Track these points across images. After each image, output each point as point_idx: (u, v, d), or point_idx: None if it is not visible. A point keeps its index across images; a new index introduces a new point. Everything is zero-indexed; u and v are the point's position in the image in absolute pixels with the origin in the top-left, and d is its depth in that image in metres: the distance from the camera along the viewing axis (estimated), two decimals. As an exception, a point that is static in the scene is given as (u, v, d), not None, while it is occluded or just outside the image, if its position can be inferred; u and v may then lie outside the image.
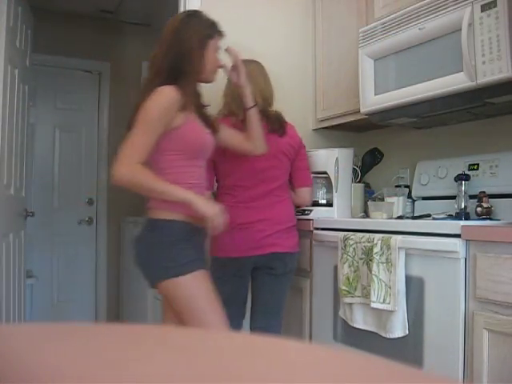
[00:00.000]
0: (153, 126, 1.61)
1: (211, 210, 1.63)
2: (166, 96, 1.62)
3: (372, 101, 2.25)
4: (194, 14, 1.84)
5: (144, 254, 1.69)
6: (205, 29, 1.77)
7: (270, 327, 2.07)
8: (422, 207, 2.35)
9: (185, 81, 1.68)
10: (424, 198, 2.40)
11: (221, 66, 1.85)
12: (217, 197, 2.14)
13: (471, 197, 2.08)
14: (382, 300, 1.74)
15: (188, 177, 1.69)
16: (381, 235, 1.80)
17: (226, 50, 1.92)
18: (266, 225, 2.05)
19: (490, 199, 2.01)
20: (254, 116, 1.96)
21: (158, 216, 1.67)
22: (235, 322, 2.08)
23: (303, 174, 2.21)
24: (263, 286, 2.10)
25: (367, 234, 1.86)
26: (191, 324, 1.64)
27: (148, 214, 1.72)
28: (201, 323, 1.63)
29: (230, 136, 1.95)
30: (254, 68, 2.17)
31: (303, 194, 2.20)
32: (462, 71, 1.83)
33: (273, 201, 2.09)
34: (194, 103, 1.73)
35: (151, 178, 1.60)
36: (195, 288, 1.64)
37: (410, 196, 2.43)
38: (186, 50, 1.72)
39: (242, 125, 2.01)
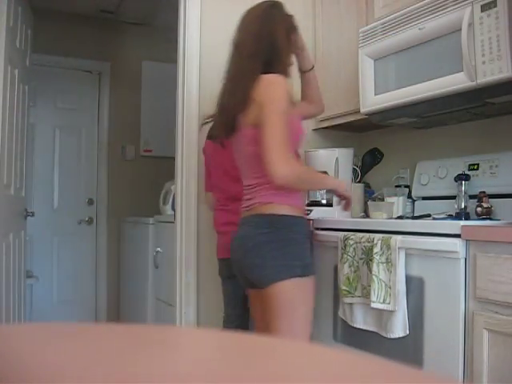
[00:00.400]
0: (285, 116, 1.53)
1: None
2: (285, 85, 1.57)
3: (372, 101, 2.25)
4: (275, 4, 1.76)
5: (264, 252, 1.57)
6: (288, 18, 1.74)
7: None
8: (421, 207, 2.35)
9: (282, 72, 1.63)
10: (424, 198, 2.40)
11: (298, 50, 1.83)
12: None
13: (471, 197, 2.08)
14: (382, 300, 1.74)
15: None
16: (381, 235, 1.80)
17: None
18: (224, 226, 2.11)
19: (490, 199, 2.01)
20: (314, 78, 1.97)
21: (282, 212, 1.58)
22: (231, 324, 2.10)
23: None
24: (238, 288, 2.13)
25: (367, 234, 1.86)
26: (279, 327, 1.55)
27: (262, 209, 1.61)
28: (291, 333, 1.54)
29: (303, 109, 1.93)
30: None
31: None
32: (462, 71, 1.83)
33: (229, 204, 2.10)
34: None
35: (310, 172, 1.58)
36: (308, 293, 1.58)
37: (409, 196, 2.43)
38: (275, 42, 1.66)
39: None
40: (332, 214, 2.37)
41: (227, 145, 1.83)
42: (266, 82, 1.55)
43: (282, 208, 1.58)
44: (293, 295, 1.55)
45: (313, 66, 1.96)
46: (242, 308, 2.11)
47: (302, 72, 1.95)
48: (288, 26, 1.71)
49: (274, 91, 1.54)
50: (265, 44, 1.64)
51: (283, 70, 1.63)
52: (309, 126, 2.88)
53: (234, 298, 2.13)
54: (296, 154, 1.65)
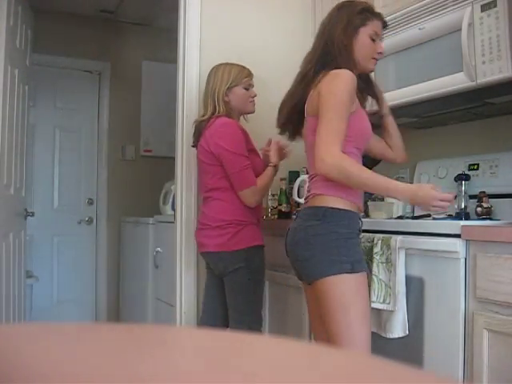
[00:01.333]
0: (344, 110, 1.51)
1: (431, 199, 1.46)
2: (348, 78, 1.53)
3: (372, 101, 2.25)
4: (345, 4, 1.72)
5: (311, 245, 1.54)
6: (352, 17, 1.65)
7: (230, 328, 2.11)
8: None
9: (348, 68, 1.60)
10: (424, 198, 2.39)
11: (380, 54, 1.71)
12: None
13: (471, 197, 2.08)
14: (382, 300, 1.74)
15: None
16: (381, 235, 1.80)
17: None
18: (201, 224, 2.19)
19: (490, 199, 2.01)
20: (392, 124, 1.89)
21: (333, 204, 1.54)
22: (208, 322, 2.16)
23: (232, 179, 2.07)
24: (213, 287, 2.21)
25: (367, 234, 1.86)
26: (336, 329, 1.51)
27: (315, 201, 1.59)
28: (348, 331, 1.50)
29: (374, 139, 1.85)
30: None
31: (242, 198, 2.09)
32: (462, 71, 1.83)
33: (207, 201, 2.17)
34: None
35: (359, 169, 1.48)
36: (361, 290, 1.52)
37: (410, 196, 2.43)
38: (330, 40, 1.64)
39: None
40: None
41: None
42: (330, 76, 1.55)
43: (334, 200, 1.54)
44: (342, 292, 1.50)
45: (390, 114, 1.89)
46: (215, 308, 2.21)
47: (380, 116, 1.88)
48: (352, 21, 1.64)
49: (336, 84, 1.52)
50: (323, 42, 1.66)
51: (349, 66, 1.59)
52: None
53: (207, 295, 2.28)
54: (355, 152, 1.60)
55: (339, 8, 1.71)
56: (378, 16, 1.69)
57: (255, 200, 2.08)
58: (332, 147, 1.45)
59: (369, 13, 1.67)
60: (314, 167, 1.55)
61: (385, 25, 1.72)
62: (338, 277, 1.49)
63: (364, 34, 1.64)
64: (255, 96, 2.23)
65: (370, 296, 1.77)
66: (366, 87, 1.76)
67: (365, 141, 1.67)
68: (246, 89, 2.19)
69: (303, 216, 1.62)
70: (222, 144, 2.04)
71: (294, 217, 1.70)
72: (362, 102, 1.72)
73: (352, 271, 1.49)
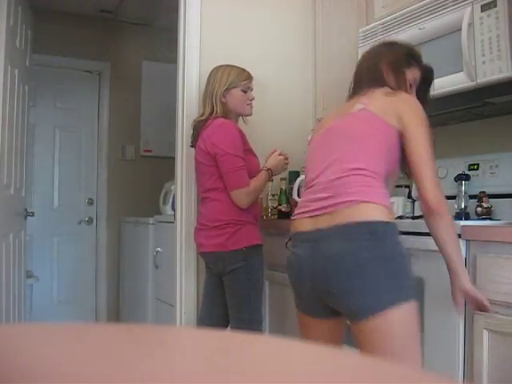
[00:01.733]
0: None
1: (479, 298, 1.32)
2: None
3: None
4: (385, 44, 1.69)
5: (369, 272, 1.27)
6: (398, 57, 1.56)
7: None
8: (421, 207, 2.35)
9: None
10: (424, 198, 2.39)
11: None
12: None
13: (471, 197, 2.08)
14: (382, 300, 1.73)
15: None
16: (381, 235, 1.79)
17: None
18: (199, 224, 2.21)
19: (490, 199, 2.01)
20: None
21: (379, 218, 1.30)
22: (208, 321, 2.18)
23: (225, 179, 2.08)
24: (213, 287, 2.22)
25: (367, 234, 1.85)
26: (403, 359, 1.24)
27: (354, 213, 1.31)
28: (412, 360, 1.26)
29: None
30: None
31: (233, 198, 2.09)
32: (462, 71, 1.83)
33: (205, 201, 2.18)
34: None
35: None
36: (416, 317, 1.29)
37: (409, 196, 2.43)
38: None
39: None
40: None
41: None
42: (408, 101, 1.47)
43: (378, 212, 1.30)
44: (400, 324, 1.25)
45: None
46: (213, 308, 2.22)
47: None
48: (395, 59, 1.55)
49: (417, 110, 1.44)
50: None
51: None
52: (309, 125, 2.88)
53: (206, 296, 2.29)
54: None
55: (381, 45, 1.67)
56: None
57: (246, 201, 2.08)
58: (436, 182, 1.40)
59: (408, 54, 1.59)
60: (357, 161, 1.36)
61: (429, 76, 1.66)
62: (402, 305, 1.25)
63: (408, 70, 1.57)
64: (253, 99, 2.23)
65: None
66: None
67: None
68: (244, 91, 2.19)
69: (349, 233, 1.29)
70: (218, 144, 2.05)
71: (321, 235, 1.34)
72: None
73: (413, 296, 1.28)
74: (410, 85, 1.55)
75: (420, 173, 1.36)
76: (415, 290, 1.32)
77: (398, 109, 1.41)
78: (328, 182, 1.38)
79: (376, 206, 1.30)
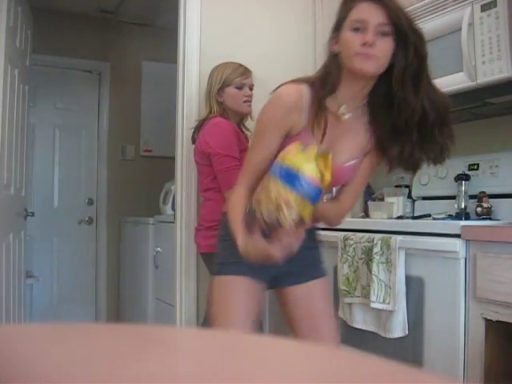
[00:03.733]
0: None
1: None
2: None
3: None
4: None
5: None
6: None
7: None
8: (421, 207, 2.35)
9: None
10: (424, 198, 2.40)
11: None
12: None
13: (471, 197, 2.08)
14: (381, 300, 1.74)
15: None
16: (381, 235, 1.80)
17: None
18: (197, 224, 2.23)
19: (490, 199, 2.01)
20: None
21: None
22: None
23: (218, 179, 2.06)
24: None
25: (367, 234, 1.86)
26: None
27: None
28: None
29: None
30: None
31: (226, 199, 2.10)
32: (461, 71, 1.83)
33: (203, 201, 2.20)
34: None
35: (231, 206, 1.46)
36: (223, 290, 1.50)
37: (410, 196, 2.43)
38: None
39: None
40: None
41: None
42: None
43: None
44: (216, 292, 1.53)
45: None
46: None
47: None
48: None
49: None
50: None
51: None
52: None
53: None
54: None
55: None
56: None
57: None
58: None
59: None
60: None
61: None
62: (218, 277, 1.55)
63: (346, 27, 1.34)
64: (249, 96, 2.18)
65: (369, 296, 1.77)
66: None
67: None
68: (239, 88, 2.16)
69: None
70: (211, 143, 2.05)
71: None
72: None
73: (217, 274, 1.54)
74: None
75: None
76: (228, 269, 1.47)
77: None
78: None
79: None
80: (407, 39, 1.24)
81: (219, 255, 1.54)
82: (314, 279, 1.52)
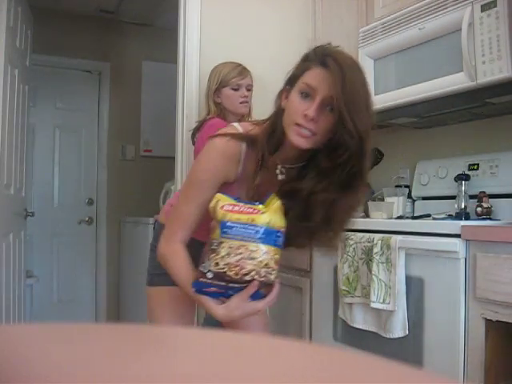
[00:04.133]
0: None
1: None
2: None
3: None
4: None
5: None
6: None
7: None
8: (421, 207, 2.35)
9: None
10: (424, 198, 2.40)
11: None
12: None
13: (471, 197, 2.08)
14: (381, 300, 1.74)
15: None
16: (381, 235, 1.80)
17: None
18: None
19: (490, 199, 2.01)
20: None
21: (160, 220, 1.59)
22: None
23: None
24: None
25: (367, 234, 1.86)
26: None
27: None
28: None
29: None
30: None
31: None
32: (462, 71, 1.83)
33: None
34: None
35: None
36: (154, 301, 1.53)
37: (410, 196, 2.43)
38: None
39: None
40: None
41: None
42: None
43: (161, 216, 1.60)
44: (150, 303, 1.55)
45: None
46: None
47: None
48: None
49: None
50: None
51: None
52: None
53: None
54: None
55: None
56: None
57: None
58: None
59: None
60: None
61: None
62: (149, 288, 1.58)
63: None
64: (245, 97, 2.16)
65: (370, 296, 1.77)
66: None
67: None
68: (235, 89, 2.14)
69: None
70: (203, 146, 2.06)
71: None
72: None
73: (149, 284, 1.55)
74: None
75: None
76: (155, 280, 1.51)
77: None
78: None
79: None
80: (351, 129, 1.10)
81: (148, 265, 1.55)
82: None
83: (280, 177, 1.27)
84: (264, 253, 1.12)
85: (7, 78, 2.50)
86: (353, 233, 1.93)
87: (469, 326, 1.53)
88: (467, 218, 2.05)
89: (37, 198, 3.94)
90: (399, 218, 2.18)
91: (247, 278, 1.12)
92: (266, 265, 1.13)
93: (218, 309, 1.16)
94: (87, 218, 4.18)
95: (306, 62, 1.21)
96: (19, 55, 2.80)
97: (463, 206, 2.09)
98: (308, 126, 1.13)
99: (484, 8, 1.74)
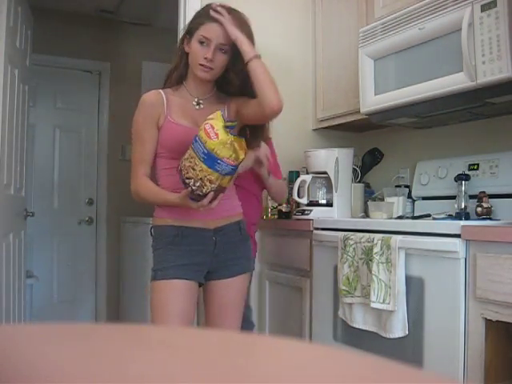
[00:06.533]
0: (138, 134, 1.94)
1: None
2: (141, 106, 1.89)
3: (372, 101, 2.25)
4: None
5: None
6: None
7: None
8: (422, 207, 2.35)
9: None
10: (424, 198, 2.40)
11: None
12: None
13: (471, 197, 2.08)
14: (381, 300, 1.74)
15: None
16: (381, 235, 1.80)
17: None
18: None
19: (490, 199, 2.01)
20: (255, 69, 1.63)
21: (153, 223, 1.76)
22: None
23: None
24: None
25: (367, 234, 1.86)
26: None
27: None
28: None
29: (245, 106, 1.68)
30: None
31: None
32: (461, 71, 1.83)
33: None
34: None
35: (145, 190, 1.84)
36: (154, 294, 1.64)
37: (410, 196, 2.43)
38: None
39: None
40: (332, 214, 2.37)
41: None
42: None
43: (154, 220, 1.76)
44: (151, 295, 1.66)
45: (255, 55, 1.65)
46: None
47: (245, 65, 1.64)
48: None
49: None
50: None
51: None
52: (309, 125, 2.88)
53: None
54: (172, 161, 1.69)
55: None
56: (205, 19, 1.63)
57: None
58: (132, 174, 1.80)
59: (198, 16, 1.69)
60: None
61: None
62: (153, 282, 1.69)
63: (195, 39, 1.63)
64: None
65: (370, 296, 1.77)
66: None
67: (176, 147, 1.64)
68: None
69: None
70: None
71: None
72: None
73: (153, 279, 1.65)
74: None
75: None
76: (160, 275, 1.62)
77: None
78: None
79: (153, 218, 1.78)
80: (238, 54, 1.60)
81: (153, 263, 1.68)
82: (235, 276, 1.70)
83: (197, 107, 1.69)
84: (200, 170, 1.44)
85: (7, 78, 2.50)
86: (353, 233, 1.93)
87: (469, 326, 1.53)
88: (467, 218, 2.05)
89: (37, 198, 3.93)
90: (399, 217, 2.18)
91: (187, 181, 1.47)
92: (200, 179, 1.44)
93: (173, 196, 1.57)
94: (87, 218, 4.18)
95: (201, 18, 1.63)
96: (19, 55, 2.80)
97: (463, 206, 2.09)
98: (208, 65, 1.61)
99: (484, 8, 1.74)
